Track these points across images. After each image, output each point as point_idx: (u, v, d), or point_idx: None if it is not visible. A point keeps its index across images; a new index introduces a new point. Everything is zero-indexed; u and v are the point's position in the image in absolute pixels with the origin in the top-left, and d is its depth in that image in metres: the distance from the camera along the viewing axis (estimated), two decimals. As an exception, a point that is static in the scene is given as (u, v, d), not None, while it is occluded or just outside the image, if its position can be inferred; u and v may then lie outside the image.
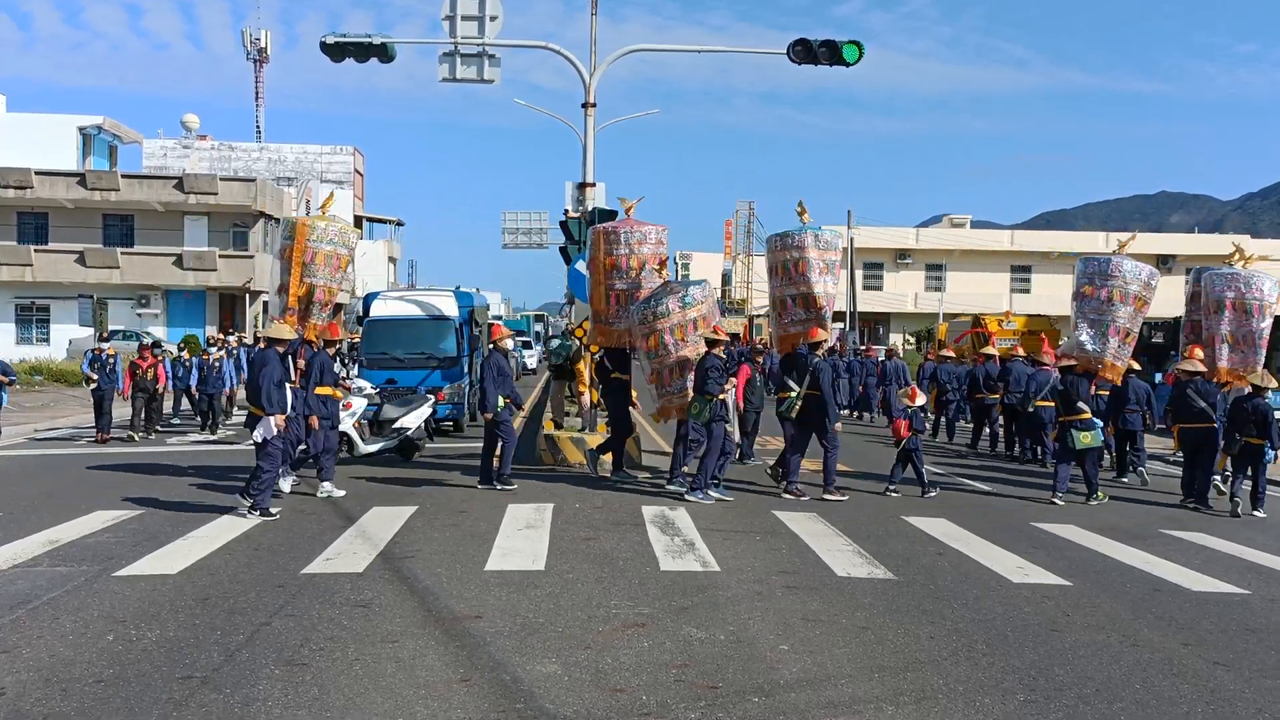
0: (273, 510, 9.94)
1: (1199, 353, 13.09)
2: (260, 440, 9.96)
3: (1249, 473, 11.88)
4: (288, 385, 11.10)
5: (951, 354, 20.85)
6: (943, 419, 19.60)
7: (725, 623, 6.57)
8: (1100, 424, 12.62)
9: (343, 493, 11.23)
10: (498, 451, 12.02)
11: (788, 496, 11.74)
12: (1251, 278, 13.47)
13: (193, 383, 18.78)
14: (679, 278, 13.26)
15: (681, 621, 6.56)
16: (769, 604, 7.08)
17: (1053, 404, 15.60)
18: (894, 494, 12.12)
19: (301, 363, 11.83)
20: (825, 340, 12.24)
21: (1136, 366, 14.04)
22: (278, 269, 12.50)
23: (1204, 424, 12.22)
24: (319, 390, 11.59)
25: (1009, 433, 17.07)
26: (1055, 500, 12.03)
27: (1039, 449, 15.99)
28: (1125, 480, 14.18)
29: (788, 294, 12.52)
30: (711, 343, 11.68)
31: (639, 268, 12.82)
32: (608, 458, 13.05)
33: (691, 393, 11.68)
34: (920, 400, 12.52)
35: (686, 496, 11.31)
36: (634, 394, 13.75)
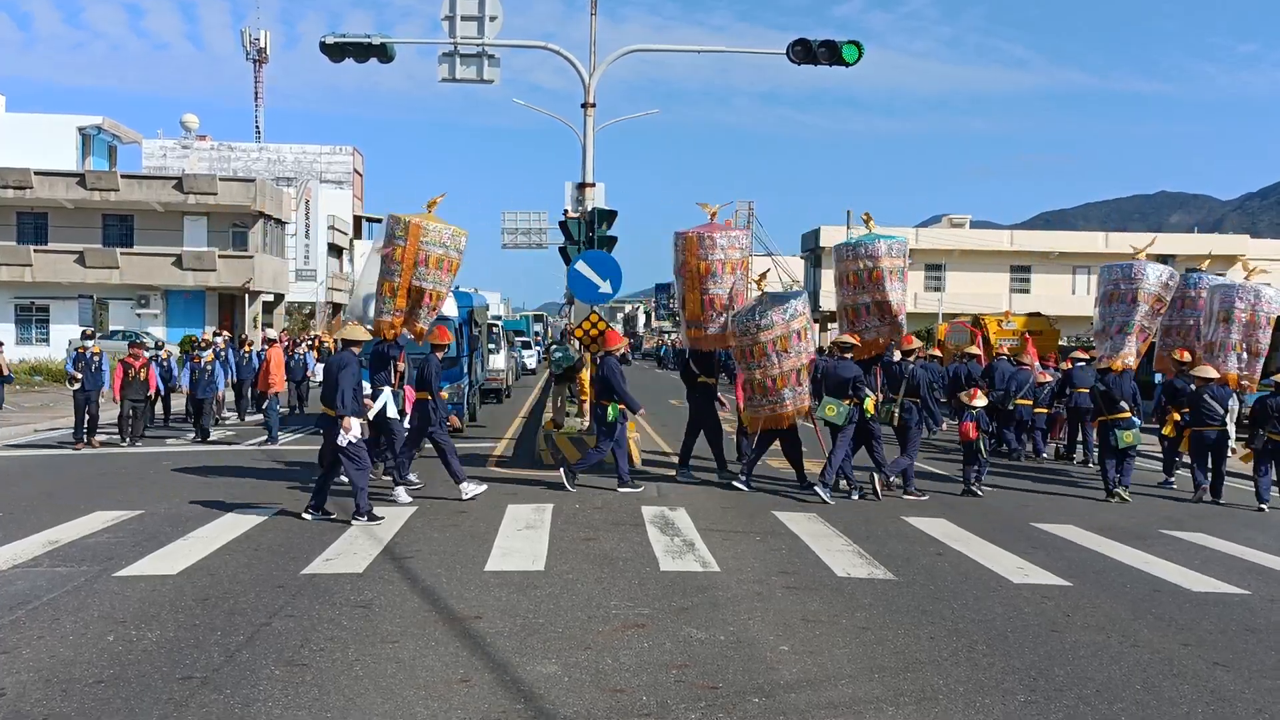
0: (377, 512, 9.89)
1: (1188, 355, 13.96)
2: (344, 445, 9.77)
3: (1267, 468, 12.41)
4: (388, 388, 11.11)
5: (939, 353, 20.97)
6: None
7: (725, 623, 6.57)
8: (1139, 423, 12.92)
9: (409, 498, 11.02)
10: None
11: (909, 497, 12.02)
12: (1260, 291, 14.13)
13: (184, 385, 18.29)
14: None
15: (681, 622, 6.56)
16: (769, 604, 7.08)
17: (1030, 402, 16.06)
18: (979, 493, 12.43)
19: (402, 365, 11.79)
20: (918, 347, 12.82)
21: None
22: (377, 268, 11.85)
23: (1220, 427, 12.82)
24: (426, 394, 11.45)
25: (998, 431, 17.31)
26: (1110, 498, 12.36)
27: (1030, 445, 16.37)
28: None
29: (861, 302, 12.68)
30: (845, 347, 12.14)
31: (732, 272, 13.01)
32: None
33: (819, 399, 11.96)
34: (981, 401, 12.86)
35: (827, 499, 11.57)
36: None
